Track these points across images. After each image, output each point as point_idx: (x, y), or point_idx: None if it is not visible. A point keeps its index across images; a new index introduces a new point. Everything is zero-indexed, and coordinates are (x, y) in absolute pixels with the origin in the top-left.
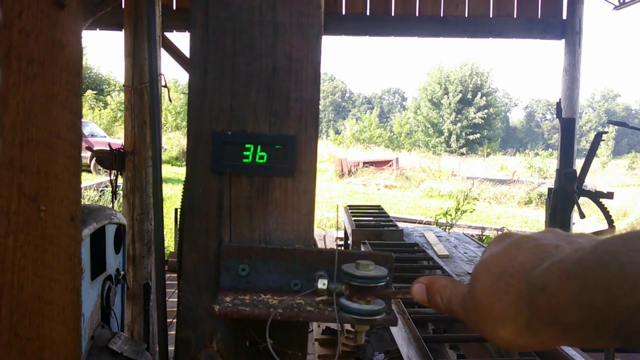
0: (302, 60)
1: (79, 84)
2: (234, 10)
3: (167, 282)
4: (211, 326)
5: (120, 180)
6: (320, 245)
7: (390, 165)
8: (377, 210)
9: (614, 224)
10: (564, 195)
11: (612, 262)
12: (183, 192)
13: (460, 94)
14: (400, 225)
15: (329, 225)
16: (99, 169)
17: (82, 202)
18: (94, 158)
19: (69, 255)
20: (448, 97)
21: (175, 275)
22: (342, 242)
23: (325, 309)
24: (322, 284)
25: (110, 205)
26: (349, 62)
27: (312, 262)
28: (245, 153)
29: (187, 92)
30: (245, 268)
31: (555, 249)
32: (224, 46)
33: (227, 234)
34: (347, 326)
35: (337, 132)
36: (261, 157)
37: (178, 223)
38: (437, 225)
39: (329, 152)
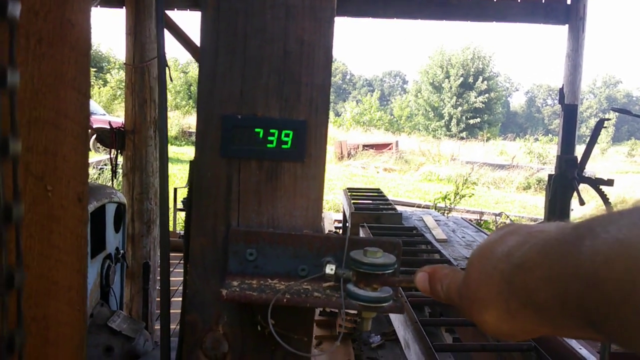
0: (314, 44)
1: (88, 63)
2: None
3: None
4: (218, 310)
5: (120, 159)
6: (323, 227)
7: (389, 149)
8: (376, 194)
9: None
10: (564, 182)
11: (587, 234)
12: (191, 175)
13: (462, 78)
14: (399, 208)
15: (328, 208)
16: (99, 147)
17: None
18: (94, 136)
19: (75, 236)
20: (449, 81)
21: (175, 254)
22: (340, 225)
23: (333, 295)
24: (329, 269)
25: (110, 184)
26: (350, 43)
27: (320, 247)
28: (255, 137)
29: (186, 71)
30: (253, 253)
31: (542, 232)
32: (235, 29)
33: (235, 219)
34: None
35: (337, 114)
36: (270, 142)
37: (177, 202)
38: (435, 209)
39: (329, 134)
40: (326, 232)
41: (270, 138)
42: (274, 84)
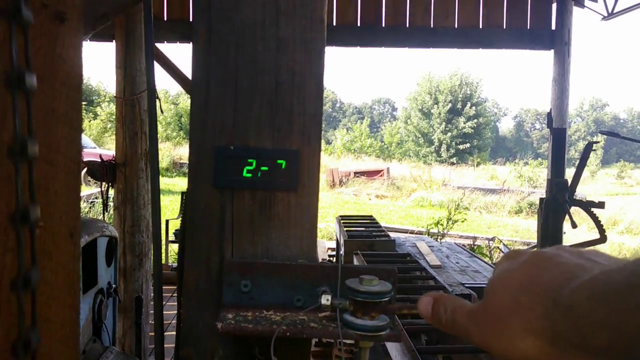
0: (305, 75)
1: (79, 98)
2: (237, 25)
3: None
4: (213, 343)
5: (111, 192)
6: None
7: (381, 175)
8: (368, 221)
9: (605, 233)
10: (556, 205)
11: None
12: (184, 206)
13: (450, 104)
14: (392, 235)
15: (321, 236)
16: (89, 181)
17: None
18: (85, 169)
19: (67, 272)
20: (438, 107)
21: (167, 287)
22: (334, 253)
23: (329, 325)
24: (325, 299)
25: (101, 217)
26: (340, 72)
27: (315, 277)
28: (248, 168)
29: (176, 102)
30: (248, 284)
31: (579, 269)
32: (226, 60)
33: (229, 249)
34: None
35: (328, 142)
36: (264, 172)
37: (169, 234)
38: (428, 235)
39: (320, 162)
40: (320, 260)
41: (263, 168)
42: (266, 114)
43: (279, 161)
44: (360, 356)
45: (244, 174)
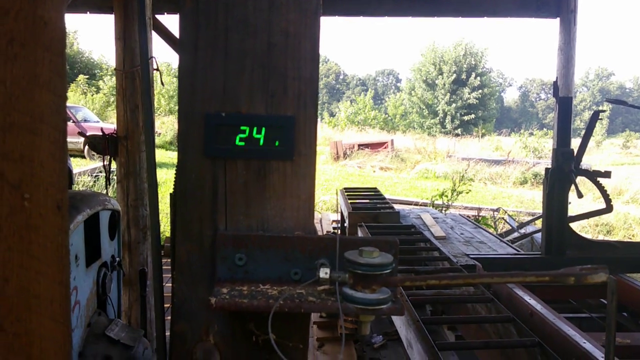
0: (299, 36)
1: (63, 64)
2: None
3: (164, 267)
4: (207, 319)
5: (113, 166)
6: (316, 228)
7: (385, 147)
8: (373, 193)
9: (611, 203)
10: (561, 175)
11: None
12: (175, 178)
13: (455, 75)
14: (397, 207)
15: (325, 208)
16: (93, 155)
17: (77, 188)
18: (87, 143)
19: (55, 245)
20: (442, 78)
21: (168, 260)
22: (338, 225)
23: (328, 299)
24: (324, 272)
25: (105, 191)
26: (343, 43)
27: (313, 249)
28: (241, 135)
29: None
30: (242, 257)
31: None
32: (215, 22)
33: (222, 222)
34: None
35: (332, 115)
36: (257, 140)
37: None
38: (433, 206)
39: (324, 134)
40: (324, 232)
41: (257, 136)
42: (259, 78)
43: (274, 128)
44: (360, 330)
45: (237, 142)
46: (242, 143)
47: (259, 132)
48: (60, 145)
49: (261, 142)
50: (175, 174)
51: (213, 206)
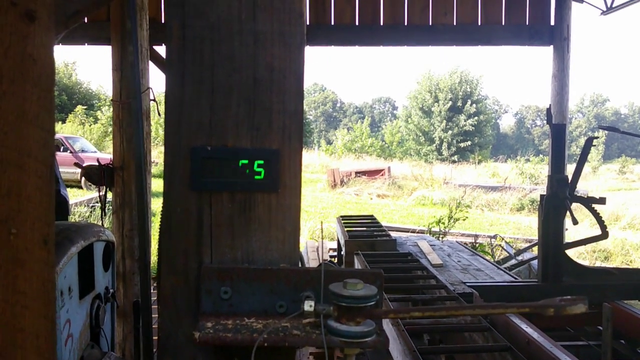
0: (284, 70)
1: (51, 99)
2: (212, 20)
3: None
4: (192, 353)
5: (110, 196)
6: (314, 256)
7: (382, 175)
8: (369, 220)
9: (606, 229)
10: (557, 202)
11: None
12: (161, 211)
13: (451, 102)
14: (394, 234)
15: (322, 236)
16: (90, 185)
17: (73, 219)
18: (83, 174)
19: (41, 280)
20: (438, 105)
21: None
22: (335, 253)
23: (313, 332)
24: (308, 305)
25: (100, 222)
26: (340, 72)
27: (298, 282)
28: (226, 169)
29: None
30: (228, 291)
31: None
32: (202, 57)
33: (207, 255)
34: None
35: (329, 142)
36: (243, 173)
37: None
38: (430, 233)
39: (321, 162)
40: (322, 260)
41: (242, 169)
42: (245, 112)
43: (259, 161)
44: None
45: (222, 175)
46: (228, 176)
47: (244, 165)
48: (47, 179)
49: (246, 174)
50: (162, 207)
51: (198, 239)
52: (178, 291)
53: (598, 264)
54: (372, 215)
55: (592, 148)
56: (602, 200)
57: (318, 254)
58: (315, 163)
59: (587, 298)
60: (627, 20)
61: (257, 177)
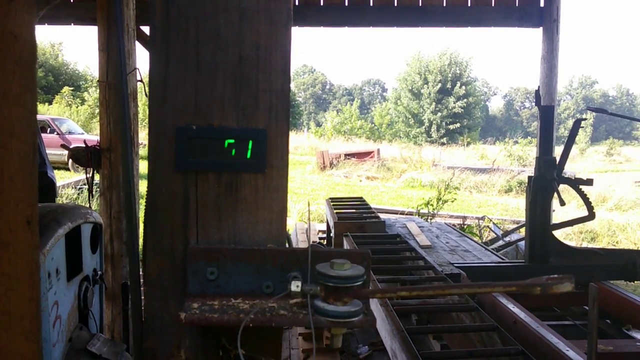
0: (270, 48)
1: (33, 78)
2: None
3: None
4: (179, 334)
5: (97, 178)
6: (303, 238)
7: (371, 157)
8: (359, 202)
9: (593, 211)
10: (544, 183)
11: None
12: (146, 192)
13: (440, 84)
14: (383, 216)
15: (312, 218)
16: (77, 167)
17: (60, 201)
18: (70, 156)
19: (26, 261)
20: (428, 87)
21: None
22: (324, 235)
23: (300, 312)
24: (295, 286)
25: (88, 204)
26: (329, 53)
27: (285, 262)
28: (212, 149)
29: None
30: (214, 271)
31: None
32: (186, 35)
33: (193, 236)
34: None
35: (318, 125)
36: (229, 153)
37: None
38: (419, 215)
39: (310, 144)
40: (311, 242)
41: (228, 149)
42: (230, 91)
43: (245, 141)
44: (332, 343)
45: (208, 155)
46: (214, 156)
47: (230, 145)
48: (30, 159)
49: (233, 154)
50: (147, 187)
51: (184, 220)
52: (164, 272)
53: (585, 244)
54: (361, 197)
55: (580, 130)
56: (589, 182)
57: (307, 235)
58: (304, 145)
59: (574, 277)
60: (616, 3)
61: (243, 157)
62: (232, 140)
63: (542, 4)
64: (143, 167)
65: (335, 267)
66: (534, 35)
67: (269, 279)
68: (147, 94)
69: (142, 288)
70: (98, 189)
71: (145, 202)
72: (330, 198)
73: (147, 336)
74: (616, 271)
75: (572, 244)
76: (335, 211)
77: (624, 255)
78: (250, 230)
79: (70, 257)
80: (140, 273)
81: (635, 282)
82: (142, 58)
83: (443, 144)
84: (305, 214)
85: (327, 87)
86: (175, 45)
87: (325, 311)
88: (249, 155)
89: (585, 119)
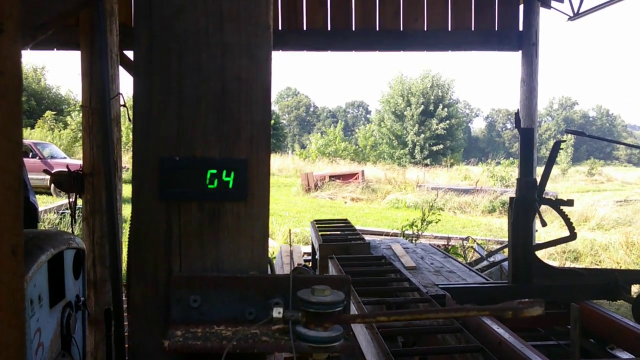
0: (251, 81)
1: (19, 111)
2: (180, 32)
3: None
4: None
5: (80, 203)
6: (287, 260)
7: (356, 178)
8: (343, 224)
9: (575, 231)
10: (525, 204)
11: None
12: (130, 220)
13: (423, 106)
14: (368, 237)
15: (296, 241)
16: (59, 192)
17: (43, 226)
18: (53, 181)
19: (10, 290)
20: (411, 109)
21: None
22: (310, 258)
23: (282, 338)
24: (277, 312)
25: (70, 229)
26: (313, 76)
27: (267, 289)
28: (195, 179)
29: None
30: (197, 299)
31: None
32: (169, 68)
33: (177, 264)
34: None
35: (303, 147)
36: (211, 183)
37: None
38: (403, 236)
39: (295, 166)
40: (295, 265)
41: (210, 179)
42: (213, 123)
43: (227, 171)
44: None
45: (191, 185)
46: (196, 186)
47: (213, 175)
48: (15, 190)
49: (215, 184)
50: (130, 216)
51: (167, 248)
52: (148, 300)
53: (568, 264)
54: (346, 219)
55: (561, 151)
56: (569, 202)
57: (292, 258)
58: (289, 167)
59: (544, 300)
60: (593, 25)
61: (225, 187)
62: (214, 171)
63: (521, 28)
64: (126, 191)
65: (316, 293)
66: (514, 58)
67: (251, 305)
68: (130, 119)
69: (125, 314)
70: (81, 214)
71: (129, 230)
72: (315, 220)
73: None
74: (599, 290)
75: (556, 263)
76: (320, 233)
77: (606, 275)
78: (232, 258)
79: (53, 283)
80: (123, 298)
81: (618, 301)
82: (125, 83)
83: (427, 165)
84: (291, 236)
85: (311, 109)
86: (158, 77)
87: (306, 337)
88: (230, 185)
89: (564, 141)
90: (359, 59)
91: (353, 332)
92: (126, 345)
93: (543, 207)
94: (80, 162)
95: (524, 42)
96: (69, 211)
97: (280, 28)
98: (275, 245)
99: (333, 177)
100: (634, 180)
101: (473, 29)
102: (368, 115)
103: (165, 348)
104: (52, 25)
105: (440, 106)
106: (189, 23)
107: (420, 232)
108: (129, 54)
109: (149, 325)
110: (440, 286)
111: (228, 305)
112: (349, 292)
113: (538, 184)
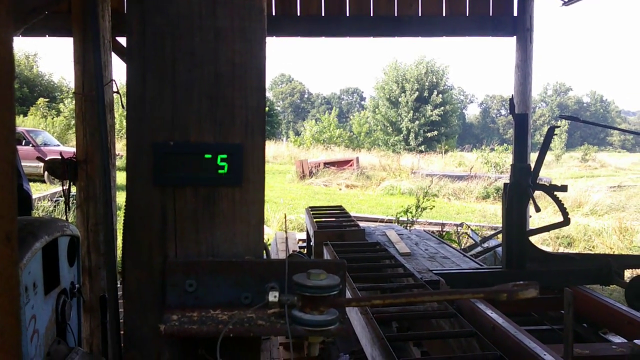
0: (245, 65)
1: (11, 97)
2: (172, 16)
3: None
4: (158, 346)
5: (74, 190)
6: (283, 247)
7: (350, 165)
8: (338, 211)
9: (568, 216)
10: (519, 190)
11: None
12: (124, 206)
13: (417, 92)
14: (362, 224)
15: (291, 227)
16: (53, 179)
17: (37, 214)
18: (46, 168)
19: (5, 277)
20: (405, 96)
21: None
22: (304, 244)
23: (277, 322)
24: (273, 296)
25: (64, 216)
26: (307, 62)
27: (263, 273)
28: (189, 164)
29: None
30: (193, 284)
31: None
32: (162, 53)
33: (172, 249)
34: None
35: (297, 134)
36: (206, 168)
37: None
38: (398, 223)
39: (290, 153)
40: (290, 252)
41: (205, 164)
42: (207, 108)
43: (222, 156)
44: (310, 351)
45: (185, 170)
46: (191, 171)
47: (207, 160)
48: (9, 176)
49: (210, 169)
50: (125, 202)
51: (162, 234)
52: (143, 285)
53: (561, 249)
54: (340, 206)
55: (555, 137)
56: (563, 188)
57: (287, 245)
58: (283, 154)
59: (538, 283)
60: (587, 11)
61: (220, 171)
62: (209, 156)
63: (515, 14)
64: (120, 178)
65: (312, 278)
66: (509, 43)
67: (247, 290)
68: (123, 105)
69: (120, 300)
70: (75, 201)
71: (124, 216)
72: (310, 207)
73: (126, 349)
74: (592, 275)
75: (549, 249)
76: (315, 220)
77: (600, 260)
78: (228, 243)
79: (48, 270)
80: (118, 285)
81: (611, 286)
82: (118, 69)
83: (421, 151)
84: (286, 223)
85: (306, 96)
86: (151, 63)
87: (302, 320)
88: (225, 170)
89: (558, 127)
90: (353, 44)
91: (348, 318)
92: (122, 332)
93: (537, 193)
94: (74, 149)
95: (519, 27)
96: (63, 198)
97: (274, 14)
98: (270, 232)
99: (328, 164)
100: (627, 165)
101: (468, 15)
102: (362, 102)
103: (161, 332)
104: (44, 9)
105: (435, 92)
106: (181, 6)
107: (414, 219)
108: (122, 40)
109: (144, 310)
110: (434, 272)
111: (224, 290)
112: (344, 277)
113: (532, 169)
